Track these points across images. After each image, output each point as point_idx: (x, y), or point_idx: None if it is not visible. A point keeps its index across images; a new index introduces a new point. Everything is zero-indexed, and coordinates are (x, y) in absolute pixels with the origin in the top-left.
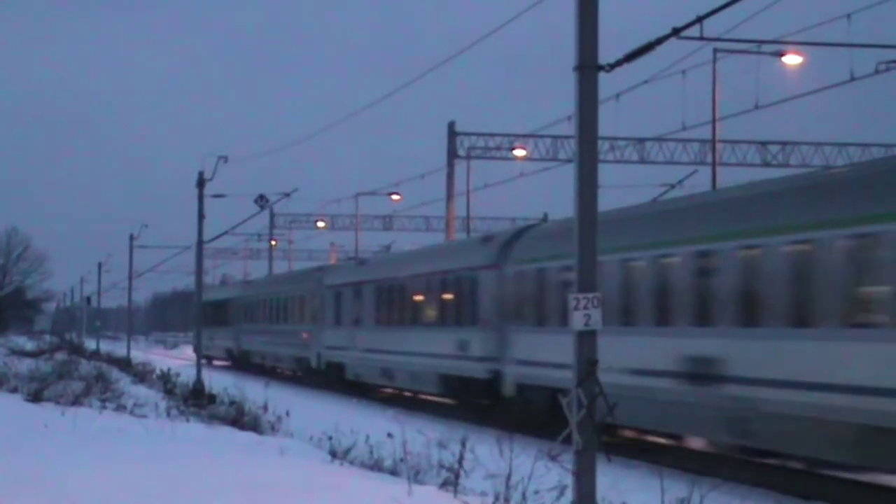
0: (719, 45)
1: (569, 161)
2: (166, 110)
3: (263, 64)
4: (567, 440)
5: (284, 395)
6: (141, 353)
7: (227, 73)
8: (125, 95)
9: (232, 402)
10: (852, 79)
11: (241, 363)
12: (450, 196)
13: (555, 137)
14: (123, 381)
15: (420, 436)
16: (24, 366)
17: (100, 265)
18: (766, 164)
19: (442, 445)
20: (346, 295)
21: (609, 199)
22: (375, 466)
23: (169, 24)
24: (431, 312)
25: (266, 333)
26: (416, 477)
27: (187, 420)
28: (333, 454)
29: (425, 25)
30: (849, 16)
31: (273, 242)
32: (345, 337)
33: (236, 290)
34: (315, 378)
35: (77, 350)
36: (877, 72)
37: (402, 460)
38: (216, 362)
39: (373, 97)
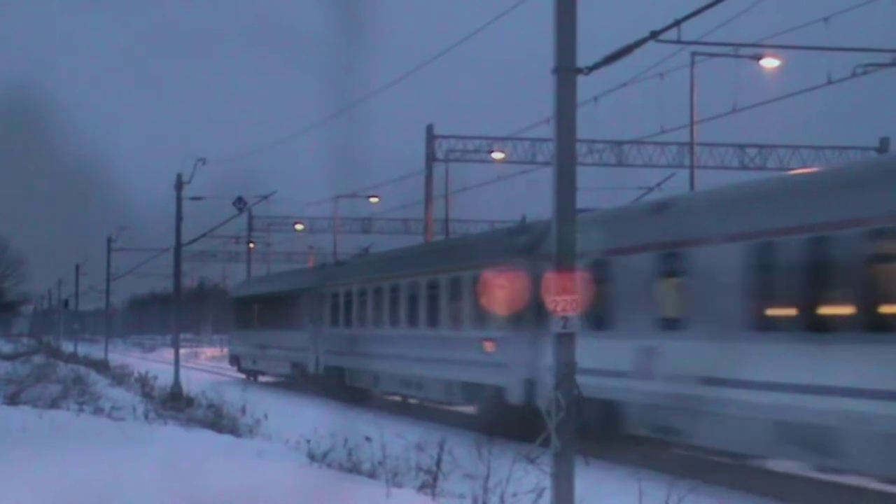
0: (697, 48)
1: (547, 164)
2: (143, 111)
3: (242, 65)
4: (545, 443)
5: (265, 399)
6: (119, 355)
7: (206, 74)
8: (99, 94)
9: (210, 406)
10: (830, 82)
11: (325, 385)
12: (428, 199)
13: (533, 140)
14: (101, 384)
15: (399, 439)
16: (2, 368)
17: (77, 268)
18: (744, 167)
19: (420, 448)
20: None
21: (587, 202)
22: (354, 469)
23: (146, 23)
24: None
25: (389, 342)
26: (395, 479)
27: (165, 423)
28: (312, 457)
29: (406, 28)
30: (826, 19)
31: (251, 245)
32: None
33: (314, 277)
34: (532, 428)
35: (55, 353)
36: (854, 75)
37: (380, 463)
38: (264, 378)
39: (350, 99)
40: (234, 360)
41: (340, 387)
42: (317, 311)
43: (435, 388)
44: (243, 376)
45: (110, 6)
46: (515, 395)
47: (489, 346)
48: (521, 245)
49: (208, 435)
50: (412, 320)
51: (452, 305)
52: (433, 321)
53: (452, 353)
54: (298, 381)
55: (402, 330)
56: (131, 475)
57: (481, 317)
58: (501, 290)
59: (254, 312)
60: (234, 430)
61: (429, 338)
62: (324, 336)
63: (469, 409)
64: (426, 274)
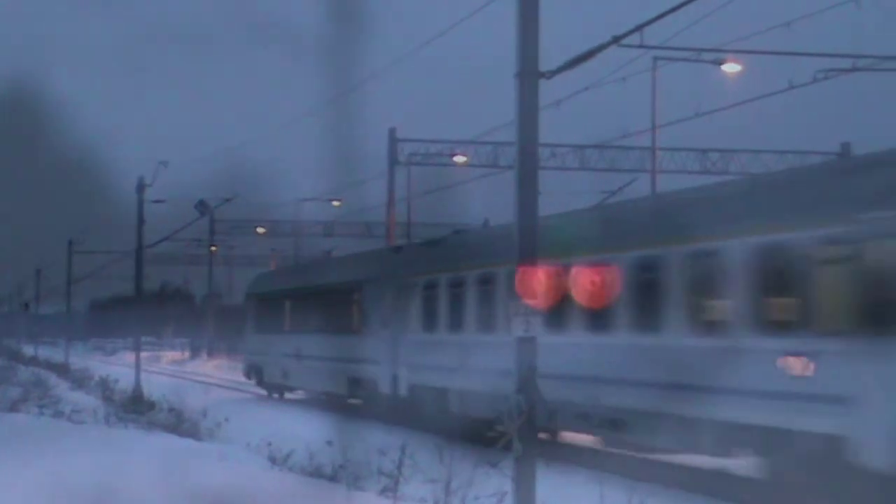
0: (659, 53)
1: (509, 167)
2: (107, 111)
3: (206, 66)
4: (507, 447)
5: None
6: (80, 359)
7: (168, 76)
8: (61, 91)
9: (171, 409)
10: (791, 87)
11: (411, 412)
12: (391, 202)
13: (495, 144)
14: (61, 388)
15: (361, 442)
16: None
17: (38, 272)
18: (706, 172)
19: (382, 452)
20: None
21: (549, 206)
22: (315, 473)
23: (111, 18)
24: None
25: (555, 355)
26: (356, 483)
27: (126, 426)
28: (273, 460)
29: (376, 32)
30: (788, 24)
31: (213, 248)
32: None
33: (390, 262)
34: None
35: (15, 356)
36: (815, 80)
37: (341, 467)
38: (292, 395)
39: (313, 103)
40: (253, 371)
41: (441, 416)
42: (396, 308)
43: (665, 429)
44: (263, 392)
45: (81, 3)
46: (876, 456)
47: (802, 366)
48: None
49: (169, 438)
50: (601, 321)
51: (702, 297)
52: (652, 323)
53: (705, 376)
54: (363, 405)
55: (582, 335)
56: (90, 478)
57: (778, 316)
58: (834, 270)
59: (284, 312)
60: (195, 434)
61: (647, 350)
62: (409, 344)
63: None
64: (632, 248)
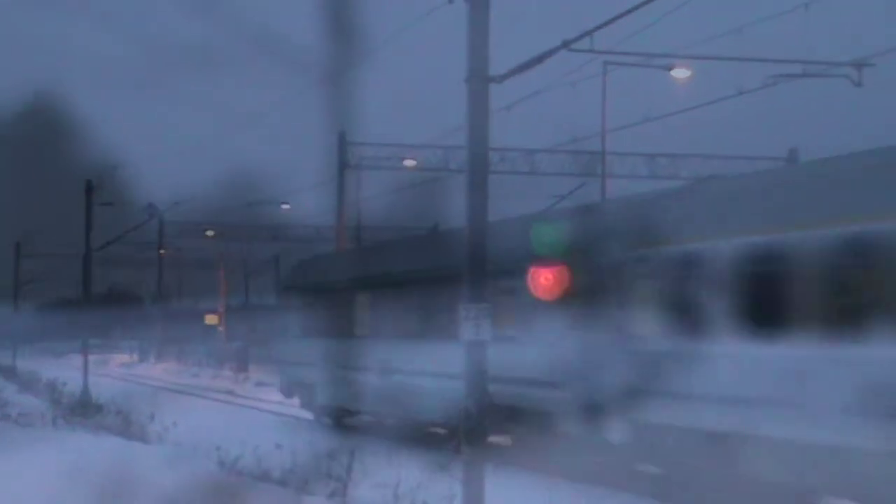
0: (609, 58)
1: (460, 171)
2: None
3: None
4: (457, 450)
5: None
6: (27, 361)
7: (120, 79)
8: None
9: (118, 412)
10: (741, 92)
11: (645, 469)
12: (341, 206)
13: (446, 148)
14: (8, 391)
15: (310, 446)
16: None
17: None
18: (655, 177)
19: (331, 456)
20: None
21: (499, 210)
22: (264, 476)
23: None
24: None
25: None
26: (305, 487)
27: (73, 429)
28: (221, 464)
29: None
30: (738, 30)
31: (162, 251)
32: None
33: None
34: None
35: None
36: (765, 86)
37: (290, 470)
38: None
39: (261, 106)
40: (297, 389)
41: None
42: (594, 298)
43: None
44: (308, 415)
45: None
46: None
47: None
48: None
49: (117, 442)
50: None
51: None
52: None
53: None
54: (514, 446)
55: None
56: (36, 481)
57: None
58: None
59: (357, 309)
60: (143, 437)
61: None
62: (630, 355)
63: None
64: None
